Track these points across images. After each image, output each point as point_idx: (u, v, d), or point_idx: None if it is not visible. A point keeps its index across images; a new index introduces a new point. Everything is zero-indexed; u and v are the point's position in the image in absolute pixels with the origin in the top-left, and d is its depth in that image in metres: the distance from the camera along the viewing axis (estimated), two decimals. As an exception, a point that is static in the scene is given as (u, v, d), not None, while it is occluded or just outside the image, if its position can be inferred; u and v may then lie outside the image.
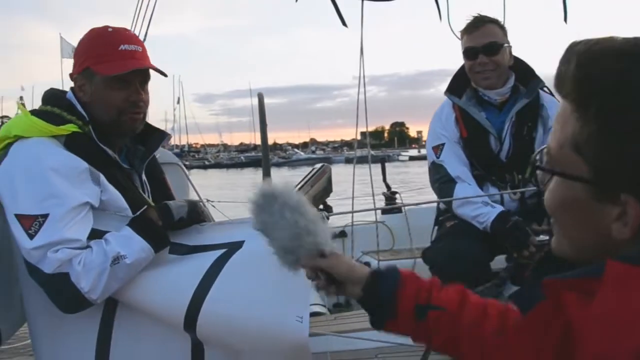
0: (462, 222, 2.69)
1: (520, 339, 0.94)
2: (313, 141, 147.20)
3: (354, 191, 3.76)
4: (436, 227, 2.99)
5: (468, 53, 2.71)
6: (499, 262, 2.70)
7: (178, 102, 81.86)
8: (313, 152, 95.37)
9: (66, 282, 1.59)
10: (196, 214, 1.83)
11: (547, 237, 2.43)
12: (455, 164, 2.72)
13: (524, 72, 2.80)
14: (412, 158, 66.27)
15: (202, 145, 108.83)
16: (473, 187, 2.68)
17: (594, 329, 0.71)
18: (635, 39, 0.78)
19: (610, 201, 0.76)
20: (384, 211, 4.92)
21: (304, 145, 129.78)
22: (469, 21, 2.75)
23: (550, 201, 0.85)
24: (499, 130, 2.72)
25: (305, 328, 1.64)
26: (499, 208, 2.58)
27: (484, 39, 2.67)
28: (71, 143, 1.73)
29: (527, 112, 2.72)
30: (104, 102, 1.83)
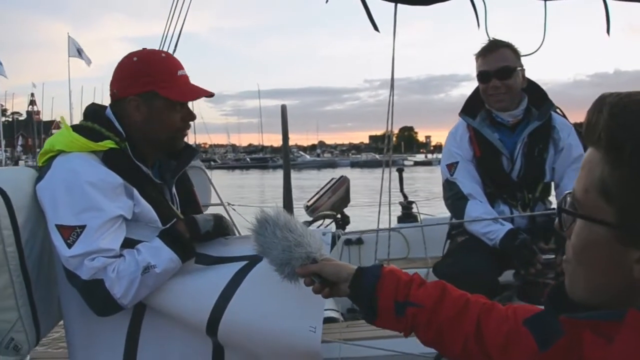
0: (472, 238, 2.80)
1: None
2: (322, 144, 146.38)
3: (380, 197, 3.81)
4: (448, 241, 3.10)
5: (482, 76, 2.82)
6: (507, 276, 2.79)
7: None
8: (318, 155, 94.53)
9: (101, 288, 1.73)
10: (221, 228, 1.95)
11: (553, 256, 2.53)
12: (468, 182, 2.83)
13: (536, 94, 2.90)
14: (417, 163, 65.59)
15: (211, 146, 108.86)
16: (484, 205, 2.79)
17: None
18: None
19: (633, 244, 0.79)
20: (400, 220, 4.98)
21: (312, 148, 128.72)
22: (483, 45, 2.87)
23: (575, 245, 0.87)
24: (511, 150, 2.82)
25: (318, 337, 1.75)
26: (508, 226, 2.68)
27: (497, 63, 2.78)
28: (108, 159, 1.87)
29: (538, 134, 2.81)
30: (165, 122, 1.97)
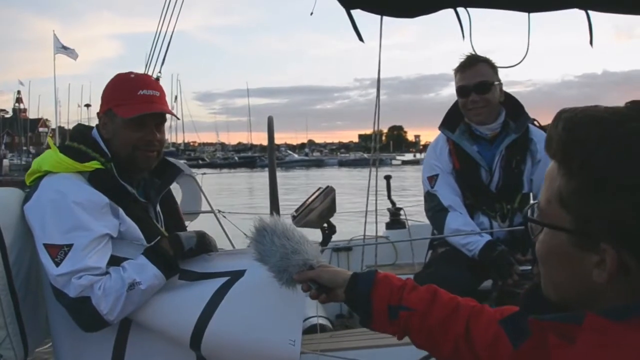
0: (452, 249, 2.87)
1: None
2: (311, 142, 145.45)
3: (367, 206, 3.86)
4: (430, 251, 3.18)
5: (461, 91, 2.90)
6: (486, 286, 2.87)
7: (175, 100, 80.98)
8: (306, 154, 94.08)
9: (88, 305, 1.78)
10: (204, 245, 2.01)
11: (529, 267, 2.61)
12: (448, 194, 2.91)
13: (514, 108, 2.98)
14: (404, 162, 65.50)
15: (200, 144, 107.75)
16: (464, 216, 2.86)
17: None
18: (615, 108, 0.86)
19: (591, 249, 0.84)
20: (388, 226, 5.01)
21: (302, 147, 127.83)
22: (462, 60, 2.94)
23: (540, 250, 0.93)
24: (489, 163, 2.90)
25: (297, 350, 1.82)
26: (487, 237, 2.75)
27: (475, 78, 2.85)
28: (94, 179, 1.93)
29: (516, 146, 2.89)
30: (122, 140, 2.03)
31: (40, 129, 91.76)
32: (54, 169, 1.95)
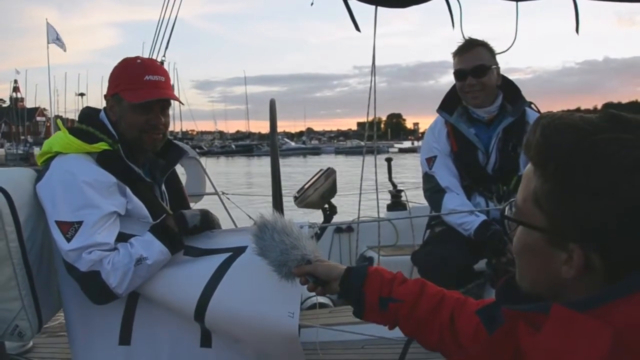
0: (449, 229, 2.95)
1: (481, 356, 1.05)
2: (310, 130, 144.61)
3: (362, 186, 3.92)
4: (428, 230, 3.25)
5: (458, 74, 2.95)
6: (481, 264, 2.94)
7: (173, 89, 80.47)
8: (303, 142, 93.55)
9: (97, 279, 1.87)
10: (208, 222, 2.10)
11: None
12: (446, 175, 2.98)
13: (511, 91, 3.03)
14: (402, 150, 65.22)
15: (198, 132, 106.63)
16: (461, 197, 2.93)
17: (538, 357, 0.85)
18: (589, 116, 0.91)
19: (561, 247, 0.90)
20: (389, 208, 5.08)
21: (300, 135, 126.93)
22: (459, 44, 2.99)
23: (516, 245, 0.99)
24: (486, 145, 2.96)
25: (295, 322, 1.91)
26: (482, 217, 2.83)
27: (472, 62, 2.91)
28: (102, 159, 2.02)
29: (513, 129, 2.94)
30: (129, 123, 2.11)
31: (38, 118, 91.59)
32: (64, 149, 2.03)
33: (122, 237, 1.97)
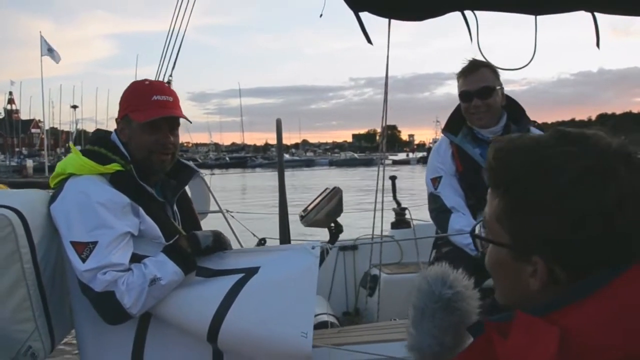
0: (456, 249, 2.95)
1: None
2: (305, 143, 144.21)
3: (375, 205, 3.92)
4: (434, 251, 3.27)
5: (463, 96, 2.98)
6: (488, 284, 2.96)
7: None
8: (292, 154, 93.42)
9: (112, 299, 1.89)
10: (220, 243, 2.11)
11: None
12: (451, 195, 2.99)
13: (515, 111, 3.06)
14: (395, 162, 65.18)
15: (193, 145, 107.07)
16: (467, 217, 2.94)
17: None
18: (539, 136, 0.96)
19: (525, 261, 0.94)
20: (393, 226, 5.06)
21: (295, 147, 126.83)
22: (464, 65, 3.02)
23: (488, 261, 1.04)
24: None
25: (309, 342, 1.92)
26: None
27: (477, 84, 2.93)
28: (115, 180, 2.04)
29: None
30: (138, 143, 2.13)
31: (33, 130, 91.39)
32: (77, 171, 2.05)
33: (135, 258, 1.98)
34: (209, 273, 2.07)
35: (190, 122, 2.29)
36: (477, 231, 1.11)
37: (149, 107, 2.11)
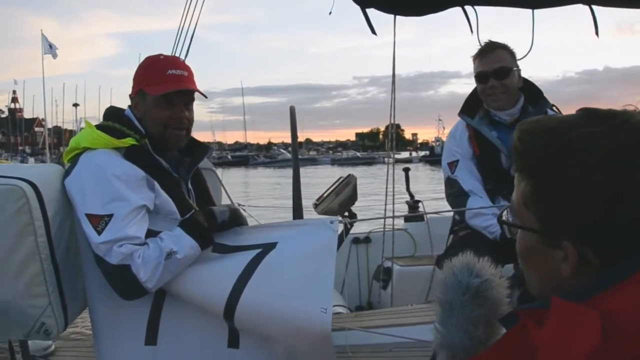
0: (474, 232, 2.91)
1: (498, 354, 0.99)
2: (308, 141, 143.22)
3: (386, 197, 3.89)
4: (451, 236, 3.21)
5: (479, 77, 2.94)
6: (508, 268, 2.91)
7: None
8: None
9: (128, 273, 1.84)
10: (236, 218, 2.08)
11: None
12: (469, 179, 2.95)
13: (532, 93, 3.02)
14: (398, 161, 65.39)
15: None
16: (484, 200, 2.90)
17: (542, 353, 0.84)
18: (566, 116, 0.94)
19: (555, 246, 0.91)
20: (407, 219, 5.01)
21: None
22: (480, 47, 2.98)
23: (517, 249, 1.00)
24: (509, 148, 2.93)
25: (329, 318, 1.87)
26: None
27: (494, 64, 2.89)
28: (130, 154, 2.00)
29: None
30: (153, 118, 2.10)
31: (36, 129, 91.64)
32: (92, 145, 2.01)
33: (150, 234, 1.93)
34: (225, 249, 2.02)
35: (206, 97, 2.24)
36: (504, 217, 1.07)
37: (164, 80, 2.08)
